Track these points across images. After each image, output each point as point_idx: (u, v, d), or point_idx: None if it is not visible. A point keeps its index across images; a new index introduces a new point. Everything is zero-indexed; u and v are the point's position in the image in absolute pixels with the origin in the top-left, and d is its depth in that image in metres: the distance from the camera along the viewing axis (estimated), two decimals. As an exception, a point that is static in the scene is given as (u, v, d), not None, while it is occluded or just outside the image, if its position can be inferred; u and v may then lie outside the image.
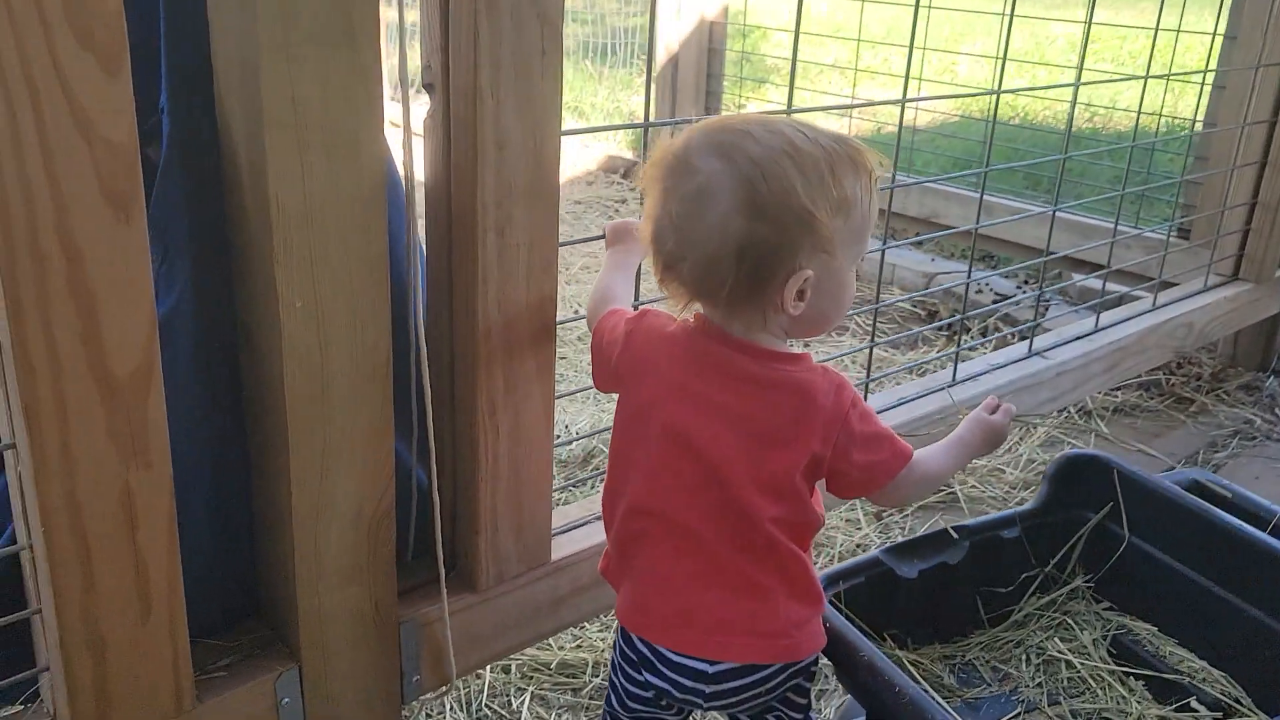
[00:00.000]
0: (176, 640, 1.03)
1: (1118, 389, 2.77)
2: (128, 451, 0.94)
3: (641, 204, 1.05)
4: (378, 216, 1.03)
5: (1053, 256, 2.12)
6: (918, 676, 1.34)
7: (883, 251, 1.70)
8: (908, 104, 1.65)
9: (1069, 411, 2.66)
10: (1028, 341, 2.12)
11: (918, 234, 3.61)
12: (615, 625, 1.16)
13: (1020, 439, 2.53)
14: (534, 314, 1.20)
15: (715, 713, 1.51)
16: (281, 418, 1.04)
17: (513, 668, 1.66)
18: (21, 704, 1.05)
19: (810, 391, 1.04)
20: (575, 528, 1.42)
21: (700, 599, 1.07)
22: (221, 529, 1.16)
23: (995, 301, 3.29)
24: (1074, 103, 2.02)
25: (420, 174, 1.18)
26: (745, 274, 0.98)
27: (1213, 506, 1.40)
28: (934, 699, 1.29)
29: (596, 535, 1.39)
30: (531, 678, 1.65)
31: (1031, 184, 4.18)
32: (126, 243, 0.88)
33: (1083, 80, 1.97)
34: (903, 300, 3.41)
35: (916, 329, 2.93)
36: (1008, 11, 1.79)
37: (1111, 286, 2.78)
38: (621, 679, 1.15)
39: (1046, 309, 3.15)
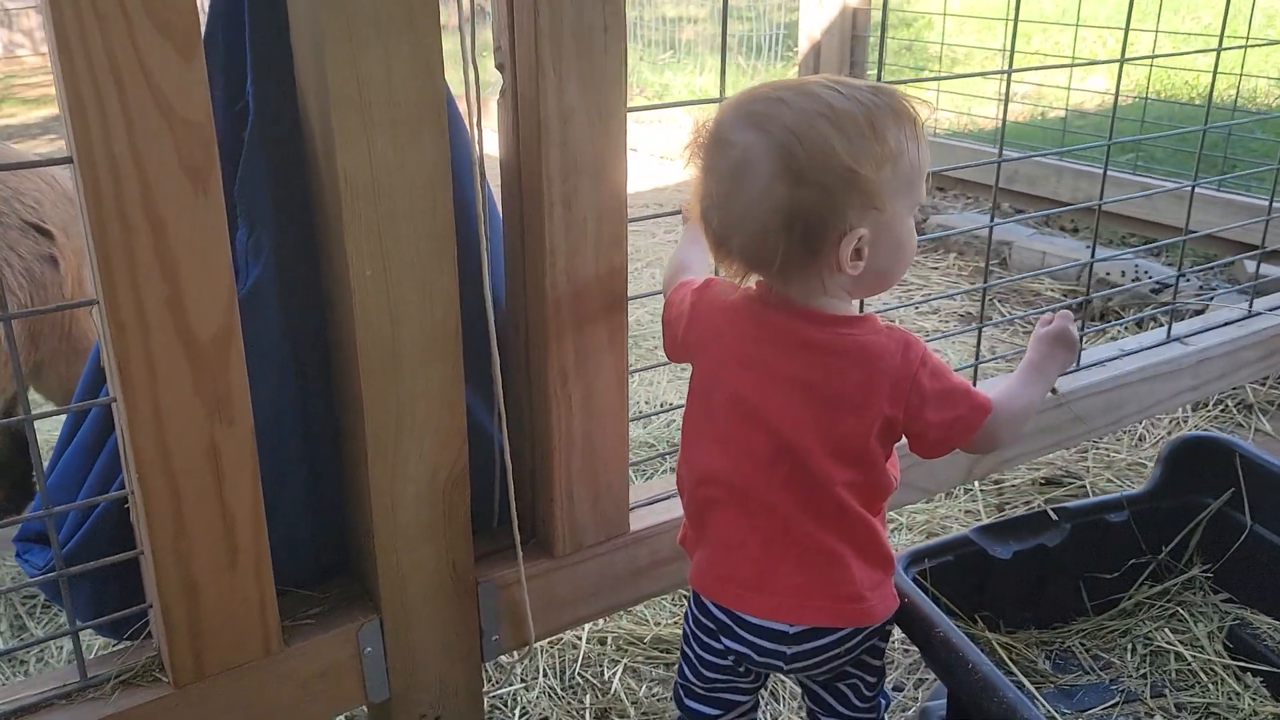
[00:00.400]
0: (263, 587, 1.12)
1: (1286, 381, 2.56)
2: (212, 409, 1.02)
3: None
4: (442, 192, 1.08)
5: (1194, 235, 1.98)
6: (1005, 658, 1.29)
7: (990, 228, 1.63)
8: (1014, 78, 1.58)
9: (1226, 405, 2.48)
10: (1165, 326, 1.99)
11: (1003, 208, 3.43)
12: (690, 596, 1.17)
13: (1167, 433, 2.38)
14: (603, 286, 1.23)
15: (787, 678, 1.50)
16: (356, 383, 1.11)
17: (609, 639, 1.70)
18: (128, 637, 1.16)
19: (876, 353, 1.03)
20: (657, 501, 1.44)
21: (775, 564, 1.08)
22: (314, 488, 1.24)
23: (1155, 290, 3.10)
24: (1215, 72, 1.88)
25: (496, 152, 1.23)
26: (796, 242, 0.98)
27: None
28: (1013, 679, 1.25)
29: (677, 509, 1.40)
30: (626, 650, 1.68)
31: (1207, 167, 3.89)
32: (205, 214, 0.96)
33: (1224, 47, 1.84)
34: (1013, 278, 3.26)
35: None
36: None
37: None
38: (697, 648, 1.16)
39: (1212, 297, 2.95)
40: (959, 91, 4.91)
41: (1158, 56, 1.97)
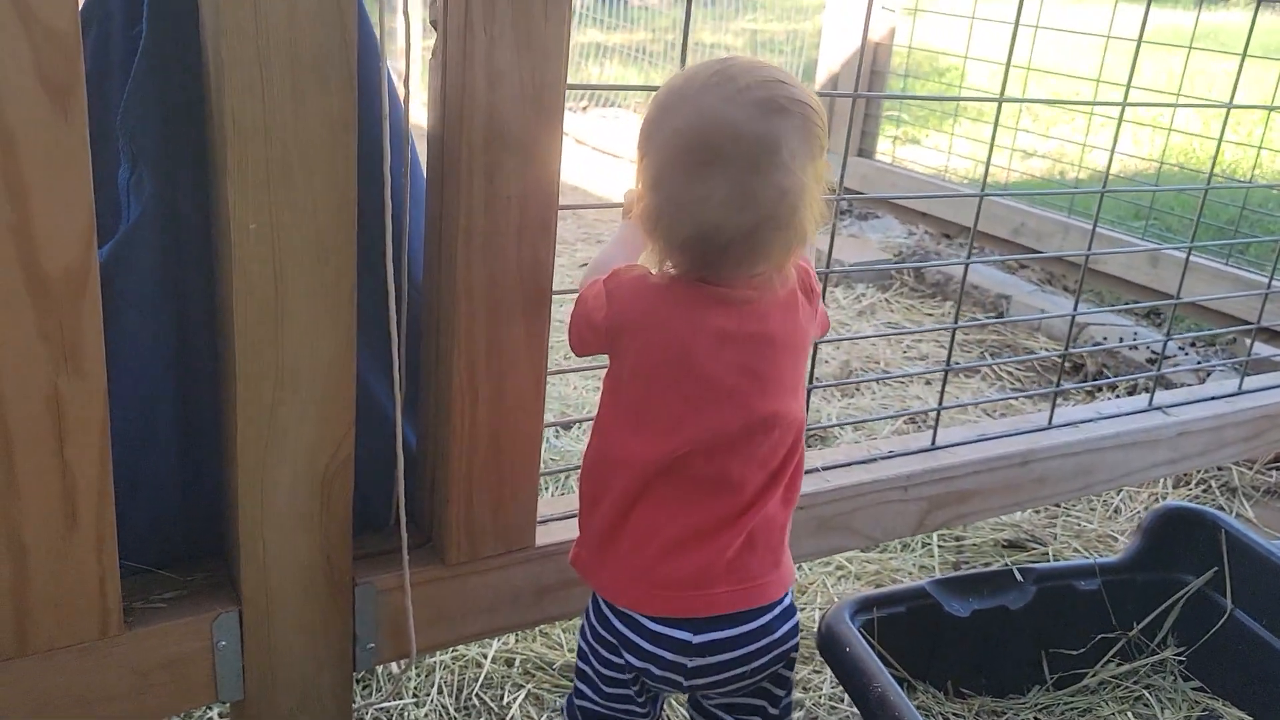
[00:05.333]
0: (104, 560, 1.01)
1: (1275, 467, 2.44)
2: (58, 355, 0.92)
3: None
4: (345, 146, 0.98)
5: (1183, 301, 1.87)
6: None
7: (966, 266, 1.53)
8: (1034, 134, 1.48)
9: (1210, 485, 2.36)
10: (1148, 394, 1.88)
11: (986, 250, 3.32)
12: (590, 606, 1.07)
13: (1144, 507, 2.26)
14: (526, 276, 1.13)
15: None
16: (232, 342, 1.01)
17: (516, 661, 1.58)
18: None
19: (789, 279, 1.02)
20: (571, 517, 1.33)
21: (726, 547, 1.01)
22: (190, 460, 1.14)
23: (1151, 360, 2.99)
24: (1222, 137, 1.78)
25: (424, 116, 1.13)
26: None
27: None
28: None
29: (590, 527, 1.29)
30: (533, 675, 1.56)
31: (1234, 245, 3.76)
32: (64, 135, 0.86)
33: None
34: (979, 320, 3.15)
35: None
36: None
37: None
38: (597, 664, 1.07)
39: (1209, 375, 2.83)
40: (980, 140, 4.83)
41: (1159, 105, 1.87)
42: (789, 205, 0.93)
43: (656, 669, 1.02)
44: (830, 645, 1.10)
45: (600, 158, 4.79)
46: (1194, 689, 1.29)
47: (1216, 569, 1.30)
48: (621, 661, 1.04)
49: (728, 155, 0.91)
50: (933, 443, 1.63)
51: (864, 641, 1.07)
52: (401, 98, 1.09)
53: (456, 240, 1.08)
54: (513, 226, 1.10)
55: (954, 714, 1.23)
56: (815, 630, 1.67)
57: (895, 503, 1.55)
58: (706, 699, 1.10)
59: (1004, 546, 2.04)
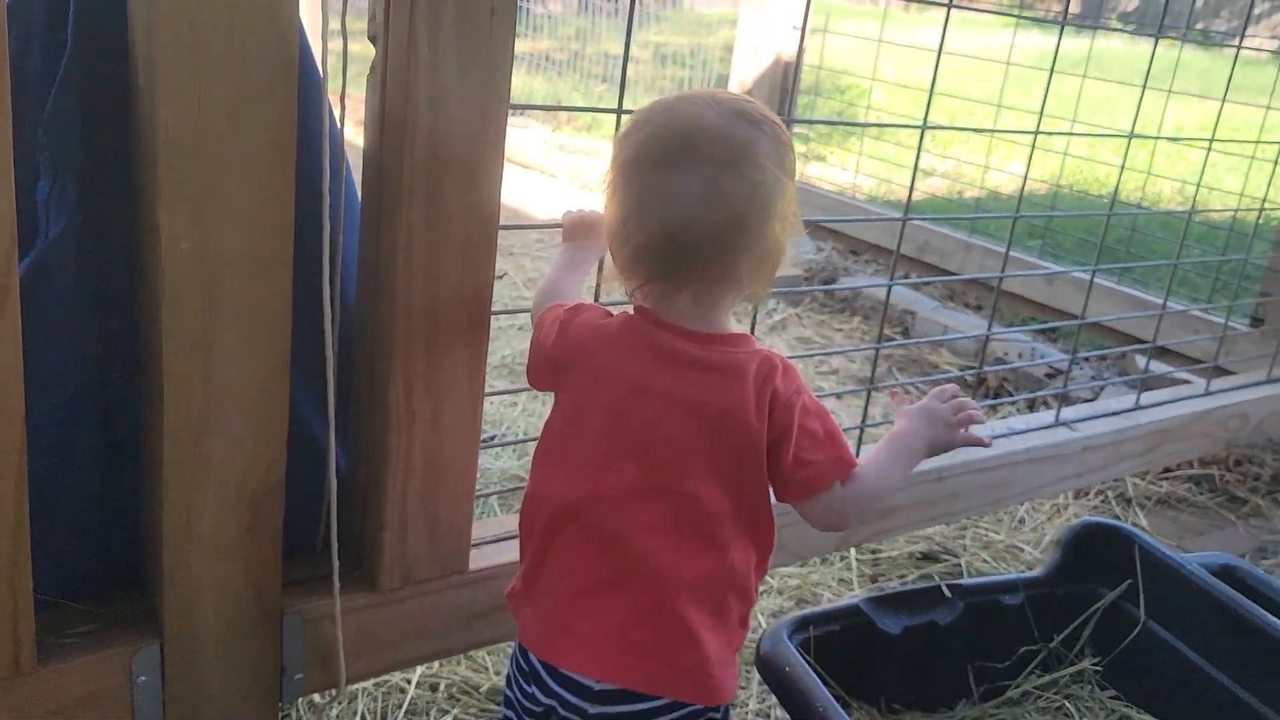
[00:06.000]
0: (17, 595, 0.95)
1: (1165, 478, 2.56)
2: (-28, 379, 0.87)
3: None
4: (283, 165, 0.95)
5: (1087, 321, 1.96)
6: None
7: (888, 289, 1.57)
8: (938, 156, 1.53)
9: (1107, 496, 2.46)
10: (1054, 410, 1.95)
11: (908, 274, 3.43)
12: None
13: (1047, 518, 2.35)
14: (466, 296, 1.11)
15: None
16: (158, 364, 0.96)
17: (441, 686, 1.55)
18: None
19: (752, 367, 0.96)
20: (504, 540, 1.31)
21: (616, 612, 0.97)
22: (110, 482, 1.08)
23: (1048, 374, 3.11)
24: (1124, 165, 1.87)
25: (360, 135, 1.10)
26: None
27: (1242, 596, 1.23)
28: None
29: (524, 549, 1.28)
30: (459, 700, 1.53)
31: (1111, 263, 3.96)
32: (-16, 150, 0.81)
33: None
34: (907, 341, 3.24)
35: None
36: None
37: (1179, 374, 2.60)
38: (518, 692, 1.05)
39: (1102, 389, 2.96)
40: (882, 159, 4.95)
41: (1071, 135, 1.96)
42: (760, 204, 0.92)
43: (560, 709, 0.99)
44: (769, 664, 1.11)
45: (511, 168, 4.75)
46: (1110, 697, 1.34)
47: (1130, 582, 1.35)
48: (532, 692, 1.02)
49: (703, 152, 0.91)
50: (855, 460, 1.66)
51: (803, 661, 1.09)
52: (337, 116, 1.06)
53: (396, 261, 1.05)
54: (455, 247, 1.08)
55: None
56: (749, 648, 1.69)
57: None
58: None
59: (918, 559, 2.09)
